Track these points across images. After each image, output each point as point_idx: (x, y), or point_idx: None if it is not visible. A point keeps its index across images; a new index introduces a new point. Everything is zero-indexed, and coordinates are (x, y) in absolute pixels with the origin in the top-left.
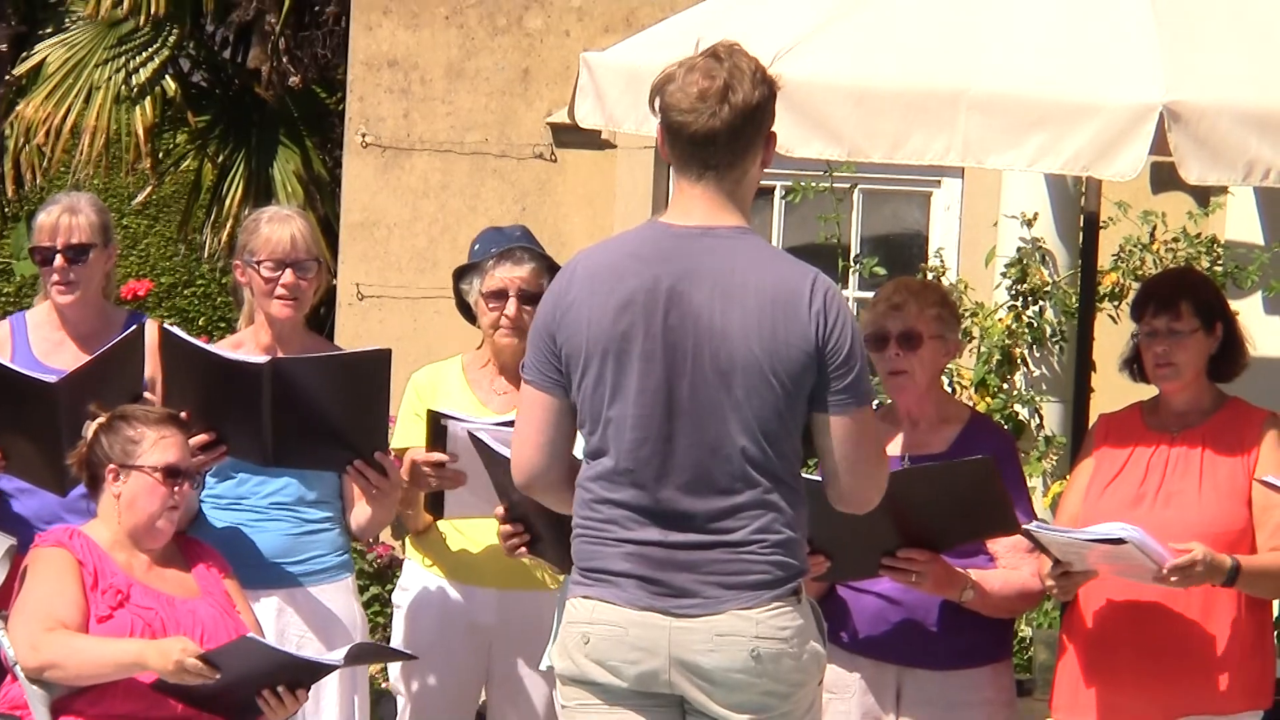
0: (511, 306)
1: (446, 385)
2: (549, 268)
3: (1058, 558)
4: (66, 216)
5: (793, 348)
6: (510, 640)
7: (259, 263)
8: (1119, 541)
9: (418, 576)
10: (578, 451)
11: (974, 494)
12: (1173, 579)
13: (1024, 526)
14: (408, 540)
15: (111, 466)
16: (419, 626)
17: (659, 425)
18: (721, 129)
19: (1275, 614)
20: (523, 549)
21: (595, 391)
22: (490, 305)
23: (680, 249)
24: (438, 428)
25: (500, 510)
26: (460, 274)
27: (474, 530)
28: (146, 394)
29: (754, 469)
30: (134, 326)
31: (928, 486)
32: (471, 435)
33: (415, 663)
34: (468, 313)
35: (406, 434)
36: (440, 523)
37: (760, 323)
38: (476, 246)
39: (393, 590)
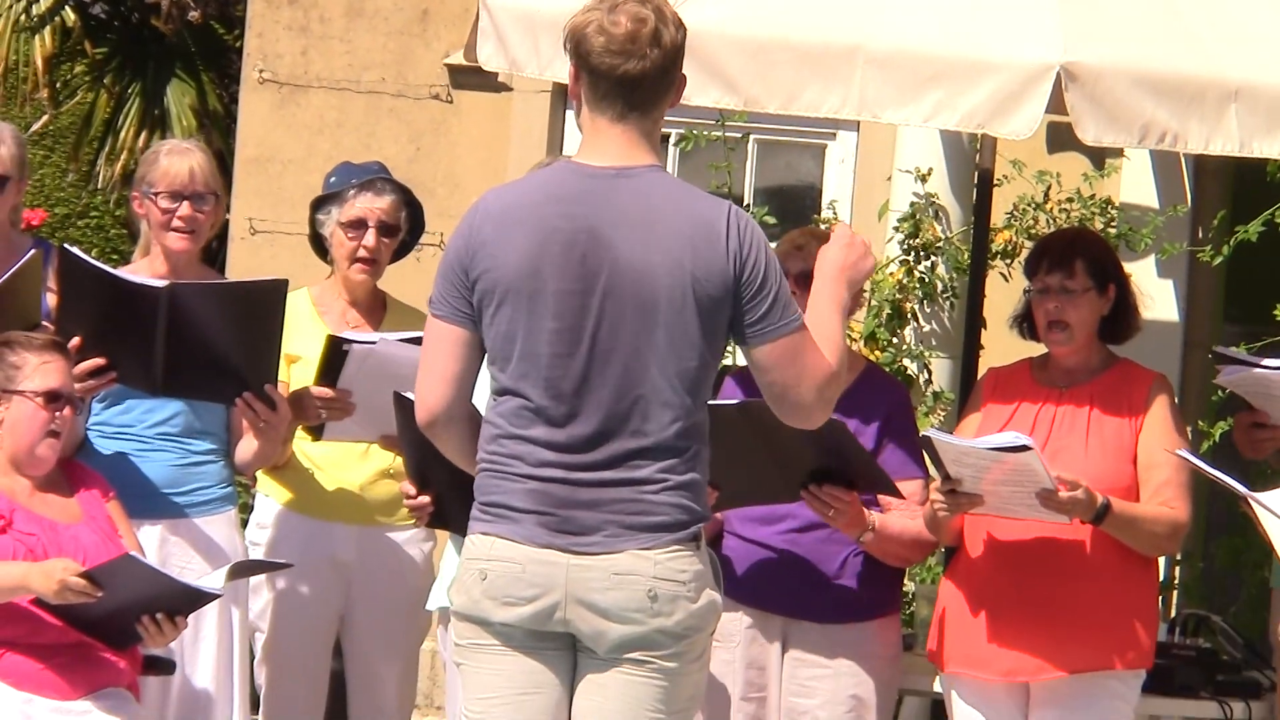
0: (370, 237)
1: (295, 317)
2: (408, 201)
3: (949, 473)
4: None
5: (711, 282)
6: (369, 577)
7: (156, 194)
8: (1022, 449)
9: (275, 513)
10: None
11: (836, 454)
12: (1061, 493)
13: (923, 433)
14: (260, 474)
15: None
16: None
17: (574, 364)
18: (651, 70)
19: (1160, 576)
20: (426, 518)
21: (508, 329)
22: (349, 235)
23: (597, 189)
24: (338, 353)
25: (410, 489)
26: (317, 204)
27: (335, 466)
28: (45, 323)
29: (667, 409)
30: (34, 250)
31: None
32: (397, 395)
33: (273, 600)
34: (319, 245)
35: None
36: (300, 456)
37: (679, 259)
38: (333, 179)
39: (248, 526)
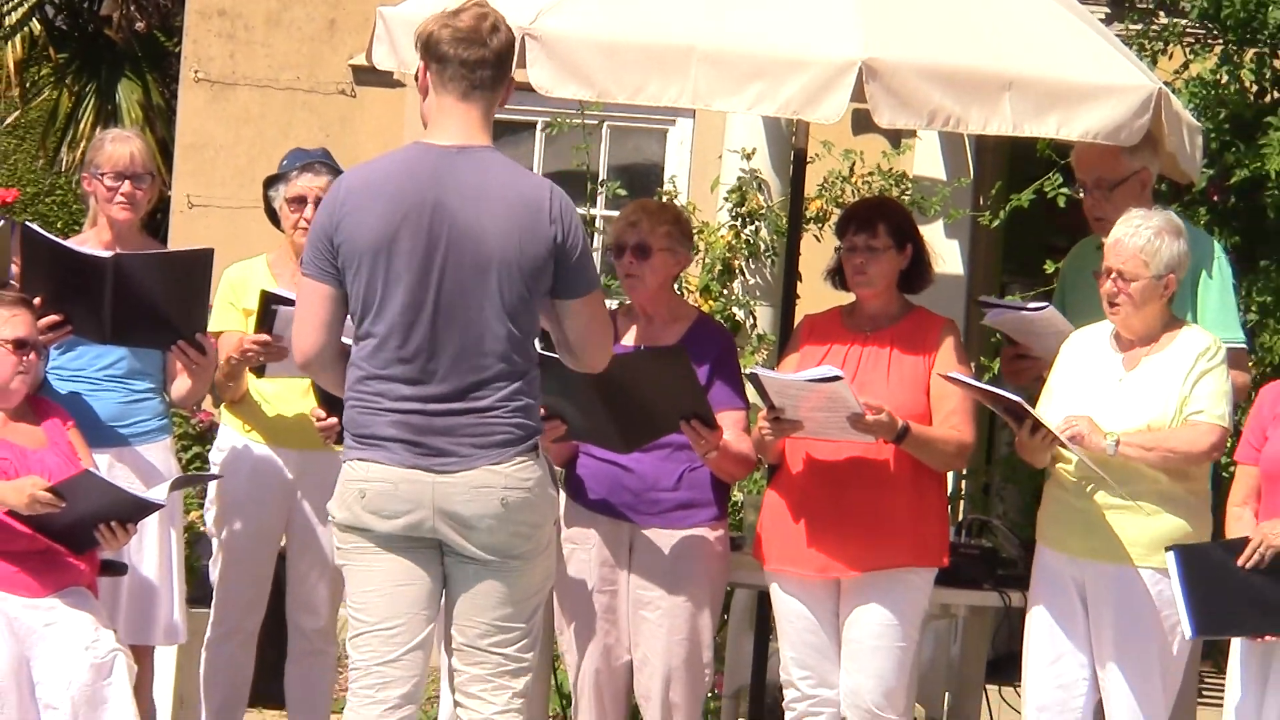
0: (309, 210)
1: (254, 279)
2: None
3: (774, 403)
4: None
5: (538, 247)
6: (308, 494)
7: (102, 174)
8: (834, 379)
9: (233, 439)
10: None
11: (670, 379)
12: (868, 417)
13: (750, 370)
14: (223, 408)
15: None
16: (234, 481)
17: (423, 314)
18: (491, 56)
19: (950, 488)
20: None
21: (368, 286)
22: (291, 209)
23: (441, 165)
24: (269, 309)
25: (320, 411)
26: (269, 183)
27: (282, 400)
28: (12, 283)
29: (502, 348)
30: (2, 222)
31: (632, 369)
32: None
33: (229, 510)
34: (273, 216)
35: (222, 319)
36: (254, 392)
37: (510, 227)
38: (284, 162)
39: (210, 450)
